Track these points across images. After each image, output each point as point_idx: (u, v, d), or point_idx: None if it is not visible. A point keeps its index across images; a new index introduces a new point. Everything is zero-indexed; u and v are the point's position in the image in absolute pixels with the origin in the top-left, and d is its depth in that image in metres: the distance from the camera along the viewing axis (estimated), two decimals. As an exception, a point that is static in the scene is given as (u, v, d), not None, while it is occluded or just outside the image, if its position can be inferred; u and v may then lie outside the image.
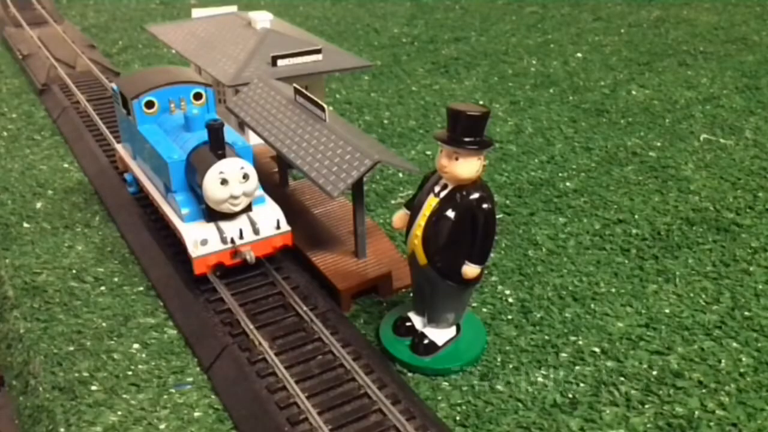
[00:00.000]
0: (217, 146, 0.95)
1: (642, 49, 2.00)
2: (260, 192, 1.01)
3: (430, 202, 0.85)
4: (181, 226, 0.99)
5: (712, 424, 0.82)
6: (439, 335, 0.91)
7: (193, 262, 0.96)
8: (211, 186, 0.94)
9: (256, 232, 0.99)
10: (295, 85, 1.12)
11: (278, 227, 1.00)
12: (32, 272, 1.09)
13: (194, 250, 0.96)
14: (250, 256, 0.98)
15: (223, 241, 0.97)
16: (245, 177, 0.95)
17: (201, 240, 0.96)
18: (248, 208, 0.99)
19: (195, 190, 0.99)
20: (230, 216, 0.98)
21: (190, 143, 1.00)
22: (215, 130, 0.94)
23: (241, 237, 0.98)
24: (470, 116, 0.79)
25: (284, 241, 1.01)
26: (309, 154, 1.00)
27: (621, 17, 2.29)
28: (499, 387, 0.88)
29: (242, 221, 0.99)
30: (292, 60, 1.25)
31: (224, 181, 0.94)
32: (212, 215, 0.97)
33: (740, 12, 2.29)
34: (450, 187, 0.84)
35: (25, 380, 0.93)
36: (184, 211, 0.99)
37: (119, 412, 0.85)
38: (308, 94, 1.08)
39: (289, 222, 1.02)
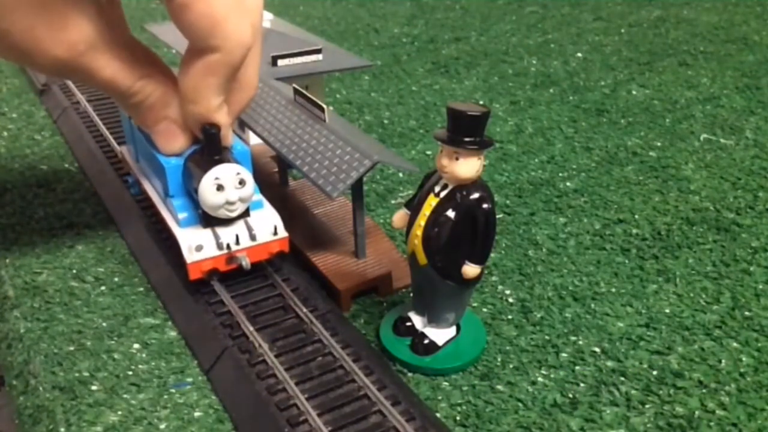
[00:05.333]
0: (213, 151, 0.93)
1: (642, 49, 2.00)
2: (258, 196, 1.00)
3: (430, 202, 0.85)
4: (177, 231, 0.98)
5: (712, 424, 0.82)
6: (439, 335, 0.91)
7: (188, 267, 0.95)
8: (207, 192, 0.92)
9: (252, 238, 0.97)
10: (294, 85, 1.12)
11: (275, 233, 0.99)
12: (32, 272, 1.09)
13: (189, 255, 0.95)
14: (246, 262, 0.96)
15: (219, 246, 0.96)
16: (241, 183, 0.93)
17: (196, 245, 0.95)
18: (246, 213, 0.98)
19: (192, 194, 0.98)
20: (227, 221, 0.97)
21: None
22: (211, 135, 0.93)
23: (237, 243, 0.97)
24: (471, 116, 0.79)
25: (280, 247, 1.00)
26: (308, 154, 1.00)
27: (621, 17, 2.29)
28: (499, 387, 0.88)
29: (239, 227, 0.97)
30: (292, 60, 1.25)
31: (220, 187, 0.92)
32: (209, 220, 0.96)
33: (740, 12, 2.29)
34: (450, 187, 0.84)
35: (25, 380, 0.93)
36: (181, 215, 0.98)
37: (119, 412, 0.85)
38: (308, 95, 1.07)
39: (289, 222, 1.02)
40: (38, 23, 0.81)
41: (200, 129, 0.93)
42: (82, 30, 0.84)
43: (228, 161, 0.93)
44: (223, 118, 0.93)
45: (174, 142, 0.96)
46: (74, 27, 0.83)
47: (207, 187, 0.92)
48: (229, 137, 0.97)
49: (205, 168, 0.92)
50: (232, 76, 0.90)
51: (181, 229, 0.98)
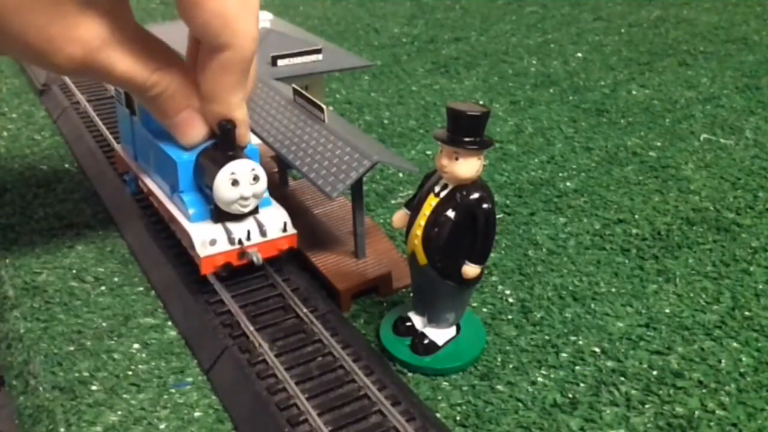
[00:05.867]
0: (227, 147, 0.95)
1: (642, 48, 2.00)
2: (266, 194, 1.01)
3: (430, 202, 0.85)
4: (188, 226, 0.98)
5: (712, 424, 0.82)
6: (439, 335, 0.91)
7: (201, 262, 0.96)
8: (222, 186, 0.94)
9: (263, 234, 0.98)
10: (294, 85, 1.12)
11: (284, 230, 1.00)
12: (32, 272, 1.09)
13: (202, 250, 0.95)
14: (257, 257, 0.97)
15: (231, 241, 0.97)
16: (255, 179, 0.95)
17: (210, 240, 0.95)
18: (255, 210, 0.99)
19: (203, 190, 0.99)
20: (237, 217, 0.98)
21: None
22: (227, 131, 0.94)
23: (248, 238, 0.97)
24: (470, 116, 0.79)
25: (289, 243, 1.01)
26: (308, 155, 1.00)
27: (621, 17, 2.29)
28: (499, 387, 0.88)
29: (249, 223, 0.98)
30: (292, 60, 1.25)
31: (235, 182, 0.94)
32: (220, 216, 0.97)
33: (740, 12, 2.29)
34: (450, 187, 0.84)
35: (25, 380, 0.93)
36: (191, 210, 0.99)
37: (119, 412, 0.85)
38: (307, 95, 1.07)
39: (288, 222, 1.02)
40: (51, 22, 0.82)
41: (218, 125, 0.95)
42: (94, 26, 0.85)
43: (242, 157, 0.95)
44: (241, 115, 0.94)
45: (195, 131, 0.97)
46: (87, 23, 0.84)
47: (222, 182, 0.93)
48: (247, 136, 0.98)
49: (221, 163, 0.94)
50: (246, 71, 0.91)
51: (192, 224, 0.98)
